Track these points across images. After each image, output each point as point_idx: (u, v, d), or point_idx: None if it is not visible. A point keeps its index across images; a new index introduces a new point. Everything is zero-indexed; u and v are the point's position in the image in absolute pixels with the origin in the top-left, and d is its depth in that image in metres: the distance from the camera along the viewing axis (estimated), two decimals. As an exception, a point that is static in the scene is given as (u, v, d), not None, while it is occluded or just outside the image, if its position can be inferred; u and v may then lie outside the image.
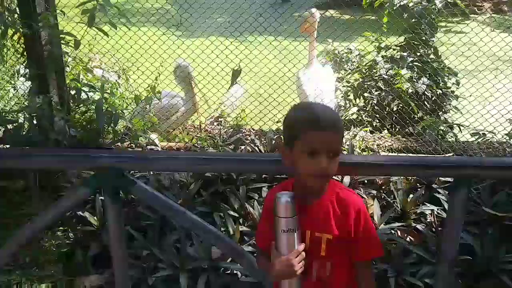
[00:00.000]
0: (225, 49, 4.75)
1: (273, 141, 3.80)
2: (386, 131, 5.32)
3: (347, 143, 4.16)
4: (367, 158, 2.82)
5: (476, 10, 13.30)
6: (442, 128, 5.16)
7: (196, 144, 3.97)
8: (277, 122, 5.04)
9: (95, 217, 3.23)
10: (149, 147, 3.65)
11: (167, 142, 4.14)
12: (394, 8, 5.98)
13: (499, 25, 10.88)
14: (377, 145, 4.68)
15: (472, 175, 1.92)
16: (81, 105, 3.75)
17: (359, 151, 3.96)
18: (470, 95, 5.45)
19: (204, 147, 3.85)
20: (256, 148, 3.77)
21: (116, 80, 6.11)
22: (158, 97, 3.87)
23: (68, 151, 2.27)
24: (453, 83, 5.88)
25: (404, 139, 4.89)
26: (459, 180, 1.83)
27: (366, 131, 5.06)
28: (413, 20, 5.87)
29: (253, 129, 5.07)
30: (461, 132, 5.07)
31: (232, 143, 3.97)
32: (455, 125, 5.11)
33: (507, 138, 4.99)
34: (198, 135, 4.58)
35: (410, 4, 5.92)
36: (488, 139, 4.88)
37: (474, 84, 5.34)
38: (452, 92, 5.85)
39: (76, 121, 3.68)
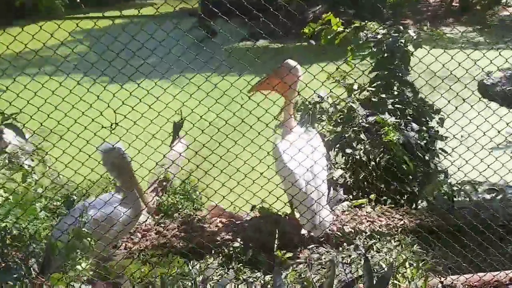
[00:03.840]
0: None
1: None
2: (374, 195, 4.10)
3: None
4: None
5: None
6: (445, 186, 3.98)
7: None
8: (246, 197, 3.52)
9: None
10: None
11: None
12: (361, 42, 4.84)
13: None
14: (386, 225, 3.41)
15: None
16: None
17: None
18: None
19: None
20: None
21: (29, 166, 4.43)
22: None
23: None
24: (437, 122, 4.79)
25: (414, 211, 3.65)
26: None
27: (364, 203, 3.79)
28: (385, 54, 4.74)
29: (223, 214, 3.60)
30: (476, 189, 3.90)
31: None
32: (467, 182, 3.91)
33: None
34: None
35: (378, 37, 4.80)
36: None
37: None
38: (437, 132, 4.75)
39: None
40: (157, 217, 4.87)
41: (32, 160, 4.62)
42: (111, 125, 2.74)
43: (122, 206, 2.93)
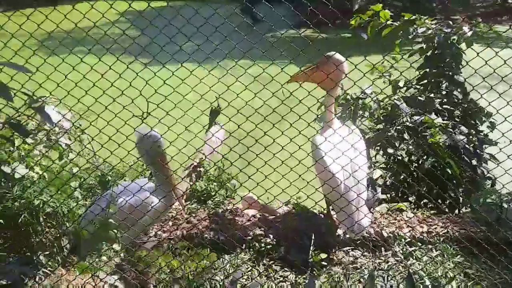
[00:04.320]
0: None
1: None
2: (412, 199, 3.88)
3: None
4: None
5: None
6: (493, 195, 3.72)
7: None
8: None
9: None
10: None
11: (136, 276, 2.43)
12: (410, 37, 4.58)
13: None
14: (427, 233, 3.21)
15: None
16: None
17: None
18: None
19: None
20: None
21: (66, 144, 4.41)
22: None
23: None
24: (488, 126, 4.50)
25: (458, 219, 3.42)
26: None
27: (403, 208, 3.58)
28: (435, 51, 4.48)
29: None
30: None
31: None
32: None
33: None
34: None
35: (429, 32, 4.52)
36: None
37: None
38: (486, 136, 4.46)
39: None
40: (188, 202, 4.81)
41: (70, 139, 4.61)
42: (142, 114, 2.65)
43: (154, 196, 2.83)
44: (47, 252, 3.25)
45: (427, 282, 2.49)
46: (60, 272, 3.11)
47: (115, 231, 2.16)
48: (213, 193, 5.10)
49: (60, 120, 4.06)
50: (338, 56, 3.07)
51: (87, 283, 2.46)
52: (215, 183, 5.30)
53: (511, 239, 3.03)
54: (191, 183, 5.54)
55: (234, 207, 3.71)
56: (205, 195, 5.10)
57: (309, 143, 3.04)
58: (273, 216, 3.39)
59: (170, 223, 3.39)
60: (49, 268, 3.09)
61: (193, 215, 3.49)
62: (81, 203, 3.77)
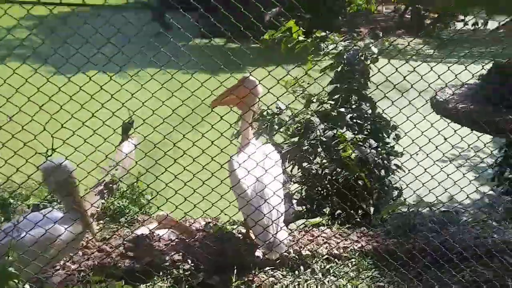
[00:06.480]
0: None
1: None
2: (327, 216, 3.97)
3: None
4: None
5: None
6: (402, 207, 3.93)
7: None
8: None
9: None
10: None
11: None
12: (322, 53, 4.71)
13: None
14: (343, 248, 3.27)
15: None
16: None
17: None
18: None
19: None
20: None
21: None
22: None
23: None
24: (393, 138, 4.74)
25: (371, 232, 3.53)
26: None
27: (320, 223, 3.63)
28: (346, 68, 4.64)
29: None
30: (433, 210, 3.85)
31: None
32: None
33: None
34: None
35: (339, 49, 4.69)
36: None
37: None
38: (392, 148, 4.70)
39: None
40: (101, 221, 4.52)
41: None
42: (47, 151, 2.41)
43: (63, 224, 2.60)
44: None
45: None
46: None
47: (16, 281, 1.92)
48: (126, 211, 4.88)
49: None
50: (251, 78, 3.04)
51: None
52: (127, 200, 5.08)
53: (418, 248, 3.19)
54: (102, 202, 5.25)
55: (150, 230, 3.52)
56: (117, 212, 4.86)
57: (224, 156, 2.91)
58: (191, 239, 3.28)
59: (80, 252, 3.14)
60: None
61: (105, 242, 3.26)
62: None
